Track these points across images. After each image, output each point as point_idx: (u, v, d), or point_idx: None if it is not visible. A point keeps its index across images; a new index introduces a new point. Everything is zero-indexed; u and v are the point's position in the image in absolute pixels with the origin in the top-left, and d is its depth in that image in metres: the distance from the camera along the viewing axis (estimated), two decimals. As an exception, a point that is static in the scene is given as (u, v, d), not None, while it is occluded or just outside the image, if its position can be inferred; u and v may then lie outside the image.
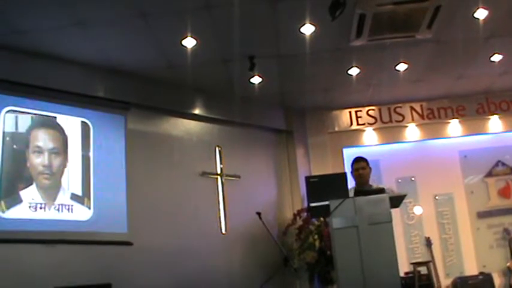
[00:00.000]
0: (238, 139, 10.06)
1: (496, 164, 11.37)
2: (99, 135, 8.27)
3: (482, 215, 11.13)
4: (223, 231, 9.36)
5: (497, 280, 10.48)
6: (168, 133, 9.19)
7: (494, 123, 11.46)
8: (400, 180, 10.76)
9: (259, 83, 9.24)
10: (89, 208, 7.90)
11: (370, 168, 7.51)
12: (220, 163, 9.67)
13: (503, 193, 11.27)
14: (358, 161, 7.51)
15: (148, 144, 8.83)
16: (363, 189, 7.00)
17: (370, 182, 7.46)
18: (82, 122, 8.15)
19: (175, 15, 7.02)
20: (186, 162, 9.24)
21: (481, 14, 7.77)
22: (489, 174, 11.34)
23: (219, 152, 9.71)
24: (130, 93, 8.56)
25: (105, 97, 8.35)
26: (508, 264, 10.53)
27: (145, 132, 8.86)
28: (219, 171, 9.62)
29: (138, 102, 8.66)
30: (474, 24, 8.03)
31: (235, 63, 8.52)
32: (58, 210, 7.59)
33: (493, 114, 11.43)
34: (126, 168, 8.37)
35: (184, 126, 9.44)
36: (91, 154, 8.14)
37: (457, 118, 11.36)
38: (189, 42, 7.70)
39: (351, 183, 7.54)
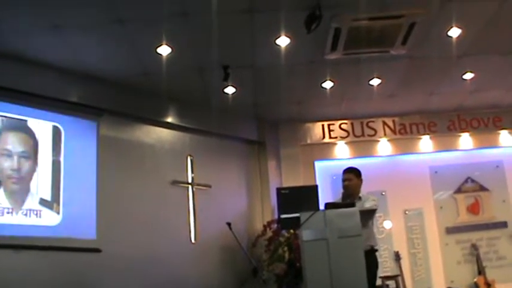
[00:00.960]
0: (211, 149, 10.02)
1: (466, 181, 11.49)
2: (70, 141, 8.17)
3: (451, 230, 11.22)
4: (193, 240, 9.32)
5: (465, 296, 10.58)
6: (141, 140, 9.13)
7: (465, 140, 11.59)
8: (368, 194, 10.75)
9: (233, 93, 9.23)
10: (58, 213, 7.80)
11: (360, 180, 7.36)
12: (192, 172, 9.64)
13: (472, 209, 11.38)
14: (346, 172, 7.42)
15: (120, 151, 8.77)
16: (334, 202, 6.98)
17: (362, 194, 7.38)
18: (54, 126, 8.05)
19: (151, 22, 6.99)
20: (157, 170, 9.18)
21: (455, 32, 7.87)
22: (459, 190, 11.45)
23: (191, 161, 9.68)
24: (103, 99, 8.49)
25: (78, 102, 8.26)
26: (475, 279, 10.62)
27: (117, 138, 8.80)
28: (190, 181, 9.58)
29: (111, 108, 8.59)
30: (447, 42, 8.12)
31: (209, 72, 8.51)
32: (26, 215, 7.47)
33: (463, 131, 11.56)
34: (97, 175, 8.29)
35: (156, 134, 9.39)
36: (61, 159, 8.04)
37: (428, 134, 11.47)
38: (164, 50, 7.66)
39: (328, 195, 7.61)
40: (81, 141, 8.32)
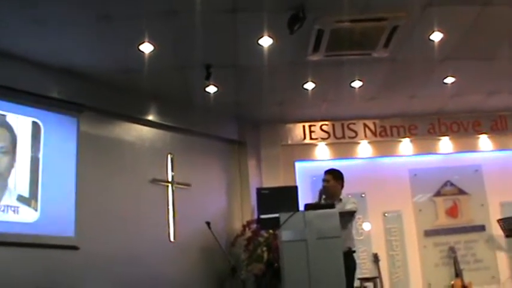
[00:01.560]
0: (191, 147, 10.01)
1: (445, 184, 11.56)
2: (50, 137, 8.10)
3: (429, 233, 11.29)
4: (172, 239, 9.29)
5: (441, 298, 10.64)
6: (121, 138, 9.09)
7: (445, 143, 11.67)
8: (350, 196, 10.74)
9: (215, 92, 9.20)
10: (36, 210, 7.73)
11: (339, 183, 7.35)
12: (172, 171, 9.61)
13: (451, 213, 11.46)
14: (325, 173, 7.43)
15: (100, 148, 8.72)
16: (314, 203, 6.99)
17: (342, 196, 7.38)
18: (33, 122, 7.97)
19: (134, 19, 6.94)
20: (137, 168, 9.15)
21: (437, 36, 7.92)
22: (438, 193, 11.52)
23: (171, 159, 9.65)
24: (84, 96, 8.42)
25: (59, 98, 8.18)
26: (453, 282, 10.69)
27: (97, 135, 8.74)
28: (169, 179, 9.55)
29: (92, 105, 8.53)
30: (429, 46, 8.18)
31: (191, 71, 8.50)
32: (3, 211, 7.40)
33: (444, 135, 11.64)
34: (76, 172, 8.22)
35: (137, 132, 9.36)
36: (40, 155, 7.95)
37: (408, 137, 11.54)
38: (147, 48, 7.63)
39: (308, 196, 7.64)
40: (61, 137, 8.24)
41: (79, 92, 8.38)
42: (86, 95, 8.46)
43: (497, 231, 11.04)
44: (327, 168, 7.59)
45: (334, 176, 7.37)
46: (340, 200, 7.22)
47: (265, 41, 7.65)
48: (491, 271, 11.26)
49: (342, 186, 7.40)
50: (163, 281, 8.76)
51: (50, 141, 8.08)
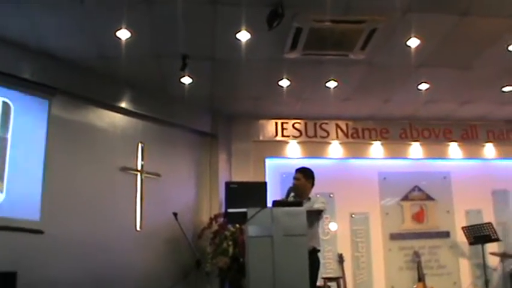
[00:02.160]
0: (162, 137, 9.96)
1: (413, 189, 11.68)
2: (20, 118, 7.92)
3: (395, 236, 11.39)
4: (138, 228, 9.24)
5: (404, 301, 10.75)
6: (93, 123, 9.00)
7: (415, 149, 11.78)
8: (318, 195, 10.77)
9: (190, 83, 9.17)
10: (1, 192, 7.60)
11: (309, 181, 7.39)
12: (142, 160, 9.55)
13: (417, 217, 11.57)
14: (296, 171, 7.46)
15: (71, 133, 8.61)
16: (282, 200, 7.00)
17: (311, 195, 7.41)
18: (3, 101, 7.78)
19: (113, 5, 6.85)
20: (107, 155, 9.07)
21: (414, 42, 7.99)
22: (405, 198, 11.63)
23: (142, 148, 9.59)
24: (57, 78, 8.29)
25: (31, 79, 8.02)
26: (415, 286, 10.82)
27: (69, 120, 8.63)
28: (139, 168, 9.49)
29: (64, 88, 8.41)
30: (406, 51, 8.23)
31: (167, 60, 8.43)
32: (-32, 192, 7.31)
33: (415, 140, 11.76)
34: (45, 155, 8.08)
35: (109, 119, 9.27)
36: (9, 136, 7.78)
37: (380, 140, 11.62)
38: (124, 34, 7.54)
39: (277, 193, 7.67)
40: (31, 119, 8.09)
41: (53, 74, 8.26)
42: (60, 78, 8.33)
43: (461, 238, 11.21)
44: (299, 167, 7.62)
45: (305, 175, 7.41)
46: (309, 198, 7.25)
47: (243, 36, 7.62)
48: (453, 277, 11.42)
49: (312, 185, 7.44)
50: (127, 268, 8.71)
51: (20, 123, 7.91)
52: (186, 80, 9.03)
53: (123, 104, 9.37)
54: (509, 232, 11.84)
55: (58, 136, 8.28)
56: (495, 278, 11.33)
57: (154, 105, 9.72)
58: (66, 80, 8.42)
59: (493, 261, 11.14)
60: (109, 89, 9.16)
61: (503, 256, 10.97)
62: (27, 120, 8.03)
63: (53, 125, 8.25)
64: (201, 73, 8.93)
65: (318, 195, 7.44)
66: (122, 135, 9.41)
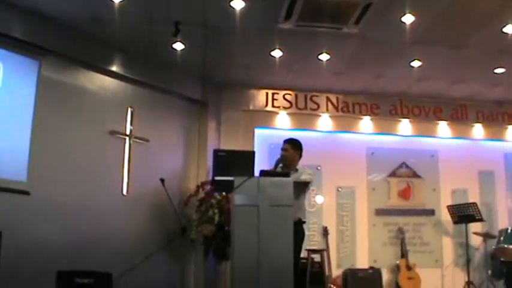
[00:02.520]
0: (152, 103, 9.89)
1: (401, 166, 11.72)
2: (8, 77, 7.79)
3: (380, 212, 11.46)
4: (125, 192, 9.22)
5: (386, 276, 10.89)
6: (83, 86, 8.91)
7: (405, 126, 11.80)
8: (305, 167, 10.81)
9: (182, 49, 9.08)
10: (-12, 152, 7.55)
11: (297, 152, 7.44)
12: (131, 124, 9.48)
13: (403, 194, 11.62)
14: (285, 142, 7.49)
15: (61, 95, 8.52)
16: (269, 170, 7.01)
17: (299, 166, 7.44)
18: (-8, 61, 7.75)
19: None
20: (96, 118, 9.00)
21: (408, 19, 7.96)
22: (392, 174, 11.67)
23: (131, 112, 9.53)
24: (48, 39, 8.18)
25: (21, 39, 7.90)
26: (398, 262, 10.90)
27: (59, 81, 8.53)
28: (128, 132, 9.43)
29: (55, 49, 8.30)
30: (400, 28, 8.20)
31: (160, 26, 8.34)
32: (-48, 151, 7.22)
33: (404, 117, 11.77)
34: (33, 116, 7.97)
35: (99, 82, 9.19)
36: (-3, 95, 7.73)
37: (369, 115, 11.62)
38: (117, -3, 7.50)
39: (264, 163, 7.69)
40: (21, 79, 7.96)
41: (44, 34, 8.14)
42: (51, 39, 8.23)
43: (446, 216, 11.29)
44: (287, 138, 7.64)
45: (293, 146, 7.43)
46: (297, 170, 7.28)
47: (238, 4, 7.56)
48: (435, 255, 11.52)
49: (300, 157, 7.47)
50: (112, 232, 8.70)
51: (9, 83, 7.78)
52: (178, 46, 8.96)
53: (114, 68, 9.29)
54: (493, 213, 11.95)
55: (47, 97, 8.20)
56: (477, 257, 11.45)
57: (145, 70, 9.64)
58: (57, 41, 8.32)
59: (476, 241, 11.23)
60: (100, 52, 9.07)
61: (486, 236, 11.06)
62: (17, 81, 7.90)
63: (43, 86, 8.15)
64: (194, 40, 8.86)
65: (306, 167, 7.47)
66: (112, 99, 9.34)
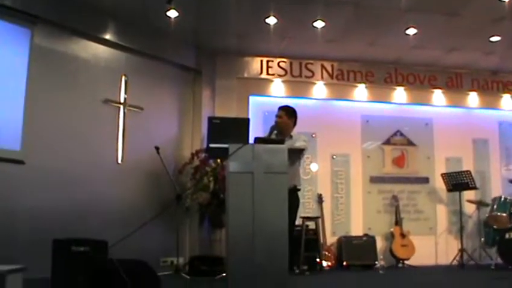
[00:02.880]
0: (146, 71, 9.83)
1: (395, 134, 11.73)
2: (0, 47, 7.72)
3: (374, 180, 11.51)
4: (120, 161, 9.21)
5: (380, 243, 10.98)
6: (76, 54, 8.85)
7: (400, 94, 11.80)
8: (300, 134, 10.84)
9: (176, 17, 9.03)
10: (-19, 121, 7.50)
11: (291, 120, 7.48)
12: (125, 93, 9.44)
13: (398, 162, 11.65)
14: (279, 109, 7.53)
15: (53, 63, 8.47)
16: (264, 137, 7.00)
17: (293, 133, 7.47)
18: (-17, 29, 7.64)
19: None
20: (90, 86, 8.95)
21: (403, -16, 7.91)
22: (387, 142, 11.69)
23: (125, 81, 9.47)
24: (40, 7, 8.09)
25: (12, 7, 7.78)
26: (392, 229, 10.96)
27: (51, 50, 8.47)
28: (122, 101, 9.39)
29: (47, 17, 8.21)
30: (395, -6, 8.17)
31: (154, -7, 8.31)
32: None
33: (399, 85, 11.77)
34: (26, 85, 7.89)
35: (93, 50, 9.12)
36: (-11, 64, 7.64)
37: (364, 83, 11.61)
38: (110, -37, 7.42)
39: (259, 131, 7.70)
40: (12, 48, 7.86)
41: (35, 2, 8.05)
42: (43, 7, 8.13)
43: (440, 184, 11.35)
44: (282, 105, 7.64)
45: (288, 113, 7.44)
46: (291, 136, 7.31)
47: (232, -30, 7.52)
48: (429, 222, 11.61)
49: (295, 124, 7.49)
50: (107, 200, 8.72)
51: (0, 52, 7.71)
52: (172, 13, 8.90)
53: (107, 36, 9.22)
54: (486, 181, 12.01)
55: (40, 66, 8.13)
56: (470, 225, 11.53)
57: (139, 38, 9.58)
58: (49, 9, 8.22)
59: (469, 209, 11.30)
60: (93, 20, 8.99)
61: (479, 204, 11.12)
62: (9, 50, 7.80)
63: (35, 55, 8.07)
64: (188, 7, 8.80)
65: (300, 134, 7.49)
66: (105, 67, 9.29)
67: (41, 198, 7.79)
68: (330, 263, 10.39)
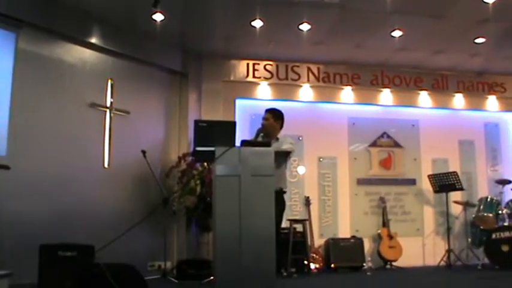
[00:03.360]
0: (132, 74, 9.81)
1: (382, 135, 11.77)
2: None
3: (361, 182, 11.54)
4: (106, 165, 9.18)
5: (367, 245, 10.99)
6: (61, 58, 8.80)
7: (386, 96, 11.84)
8: (287, 137, 10.84)
9: (162, 20, 9.01)
10: (-34, 126, 7.44)
11: (278, 122, 7.53)
12: (111, 96, 9.40)
13: (384, 164, 11.69)
14: (266, 111, 7.59)
15: (39, 67, 8.40)
16: (250, 140, 7.00)
17: (280, 136, 7.50)
18: (-34, 33, 7.59)
19: None
20: (76, 91, 8.90)
21: (390, -12, 7.95)
22: (374, 144, 11.73)
23: (111, 85, 9.44)
24: (25, 11, 8.03)
25: (-4, 10, 7.79)
26: (379, 231, 10.99)
27: (37, 54, 8.41)
28: (108, 105, 9.36)
29: (32, 21, 8.15)
30: (381, -4, 8.20)
31: (139, -4, 8.29)
32: None
33: (385, 87, 11.81)
34: (11, 89, 7.82)
35: (78, 54, 9.08)
36: (-26, 68, 7.59)
37: (350, 85, 11.64)
38: (95, -34, 7.40)
39: (245, 134, 7.70)
40: (-3, 52, 7.88)
41: (20, 6, 7.99)
42: (28, 10, 8.07)
43: (427, 186, 11.39)
44: (268, 107, 7.67)
45: (274, 115, 7.47)
46: (277, 139, 7.32)
47: (218, -27, 7.52)
48: (416, 224, 11.64)
49: (281, 127, 7.52)
50: (94, 205, 8.67)
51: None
52: (158, 16, 8.89)
53: (93, 40, 9.19)
54: (473, 182, 12.08)
55: (25, 70, 8.07)
56: (457, 226, 11.57)
57: (125, 41, 9.56)
58: (34, 13, 8.17)
59: (456, 210, 11.33)
60: (79, 24, 8.95)
61: (466, 205, 11.16)
62: (-7, 53, 7.79)
63: (20, 59, 8.00)
64: (174, 10, 8.79)
65: (287, 136, 7.51)
66: (91, 71, 9.25)
67: (27, 203, 7.73)
68: (317, 265, 10.40)
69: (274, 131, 7.40)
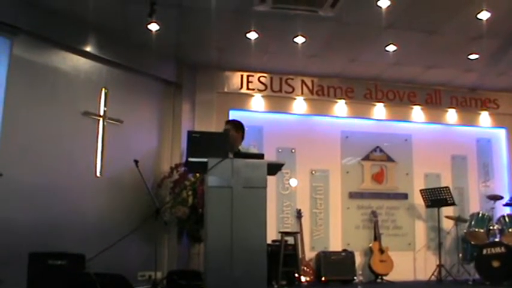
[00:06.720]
0: (127, 84, 9.81)
1: (375, 149, 11.78)
2: None
3: (353, 195, 11.53)
4: (98, 174, 9.15)
5: (358, 258, 10.97)
6: (56, 66, 8.79)
7: (379, 110, 11.87)
8: (280, 150, 10.92)
9: (157, 30, 9.03)
10: (-42, 132, 7.41)
11: (238, 133, 7.41)
12: (105, 105, 9.40)
13: (377, 178, 11.70)
14: (226, 123, 7.59)
15: (33, 75, 8.39)
16: (241, 151, 6.99)
17: (243, 147, 7.43)
18: (-39, 39, 7.56)
19: None
20: (69, 99, 8.89)
21: (384, 3, 8.04)
22: (366, 157, 11.74)
23: (105, 94, 9.44)
24: (20, 18, 8.02)
25: (-8, 17, 7.78)
26: (371, 245, 10.98)
27: (31, 61, 8.40)
28: (102, 113, 9.35)
29: (27, 28, 8.15)
30: (376, 11, 8.28)
31: (135, 6, 8.25)
32: None
33: (379, 101, 11.84)
34: (4, 96, 7.80)
35: (73, 62, 9.07)
36: (-34, 74, 7.56)
37: (344, 99, 11.66)
38: (91, -25, 7.40)
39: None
40: (-9, 59, 7.85)
41: (15, 13, 7.99)
42: (23, 18, 8.07)
43: (418, 200, 11.41)
44: (229, 119, 7.67)
45: (235, 126, 7.43)
46: (239, 150, 7.26)
47: (213, -16, 7.54)
48: (408, 238, 11.64)
49: (242, 138, 7.46)
50: (85, 214, 8.67)
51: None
52: (153, 26, 8.90)
53: (88, 48, 9.19)
54: (465, 197, 12.10)
55: (19, 78, 8.06)
56: (448, 241, 11.56)
57: (119, 51, 9.56)
58: (29, 20, 8.17)
59: (448, 225, 11.32)
60: (74, 32, 8.95)
61: (458, 220, 11.15)
62: (-13, 60, 7.77)
63: (14, 66, 7.98)
64: (169, 21, 8.80)
65: (252, 145, 7.52)
66: (85, 80, 9.24)
67: (18, 210, 7.71)
68: (308, 278, 10.38)
69: (235, 143, 7.36)
